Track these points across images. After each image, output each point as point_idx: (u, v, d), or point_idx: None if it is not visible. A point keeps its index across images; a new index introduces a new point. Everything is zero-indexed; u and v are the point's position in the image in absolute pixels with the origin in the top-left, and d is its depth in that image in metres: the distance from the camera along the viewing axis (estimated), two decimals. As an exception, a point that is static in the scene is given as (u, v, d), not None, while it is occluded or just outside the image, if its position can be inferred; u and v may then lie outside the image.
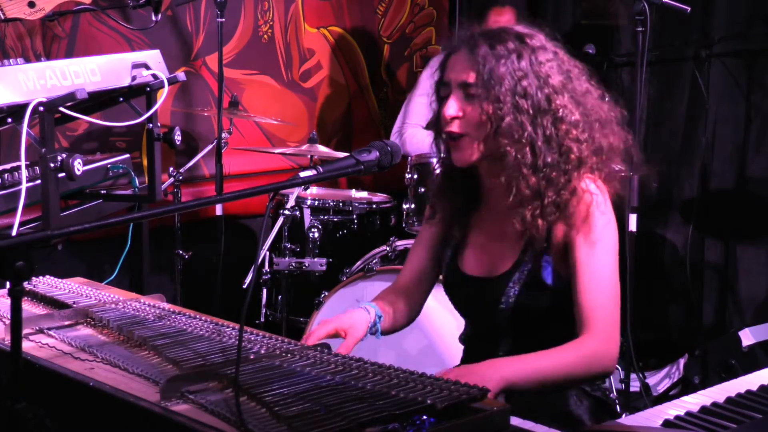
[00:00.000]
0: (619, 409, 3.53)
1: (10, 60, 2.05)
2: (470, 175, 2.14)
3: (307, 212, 3.90)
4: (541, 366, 1.90)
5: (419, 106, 4.21)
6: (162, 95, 2.23)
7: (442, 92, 2.08)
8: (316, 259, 3.74)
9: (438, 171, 2.26)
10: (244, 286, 3.68)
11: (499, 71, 1.98)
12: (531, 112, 1.98)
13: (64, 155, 2.03)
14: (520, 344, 2.02)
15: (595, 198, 1.98)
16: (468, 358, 2.19)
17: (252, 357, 1.67)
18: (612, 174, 2.06)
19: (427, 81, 4.22)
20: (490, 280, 2.09)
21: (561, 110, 2.00)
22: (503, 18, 4.12)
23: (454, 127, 2.02)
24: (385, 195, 4.15)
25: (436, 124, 2.12)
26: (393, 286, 2.30)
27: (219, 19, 3.74)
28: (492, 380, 1.79)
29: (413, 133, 4.24)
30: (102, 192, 2.39)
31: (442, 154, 2.18)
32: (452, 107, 2.02)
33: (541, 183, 1.98)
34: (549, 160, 1.98)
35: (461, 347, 2.26)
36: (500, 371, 1.84)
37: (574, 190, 1.99)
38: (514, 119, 1.97)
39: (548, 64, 2.02)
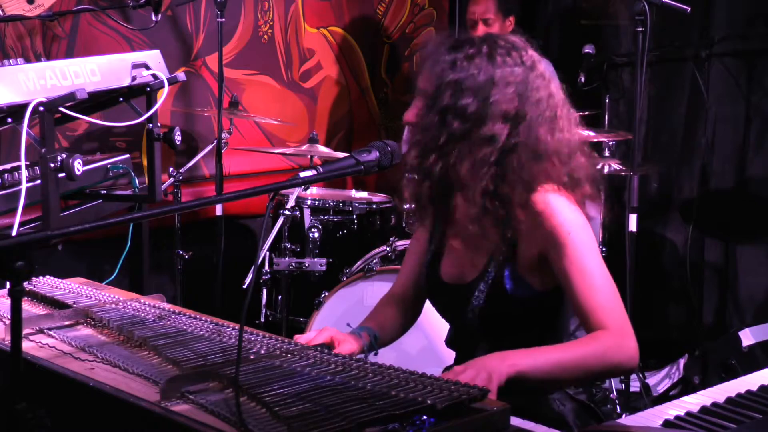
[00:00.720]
0: (617, 411, 3.53)
1: (11, 60, 2.05)
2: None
3: (307, 212, 3.90)
4: (553, 356, 1.85)
5: None
6: (162, 95, 2.23)
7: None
8: (316, 259, 3.73)
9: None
10: (244, 287, 3.68)
11: (445, 86, 1.96)
12: (458, 132, 1.94)
13: (64, 155, 2.02)
14: (496, 350, 1.93)
15: (552, 205, 1.94)
16: (459, 362, 2.18)
17: (252, 357, 1.67)
18: (577, 186, 2.02)
19: None
20: (461, 286, 2.09)
21: (500, 136, 1.93)
22: (479, 8, 4.10)
23: (409, 132, 2.04)
24: (384, 195, 4.15)
25: None
26: (389, 294, 2.30)
27: (219, 19, 3.74)
28: (500, 367, 1.76)
29: None
30: (102, 192, 2.39)
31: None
32: (409, 112, 2.04)
33: (487, 191, 1.95)
34: (479, 183, 1.94)
35: (460, 348, 2.26)
36: (509, 359, 1.80)
37: (527, 202, 1.95)
38: (435, 134, 1.96)
39: (507, 88, 1.96)
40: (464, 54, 1.98)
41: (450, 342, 2.24)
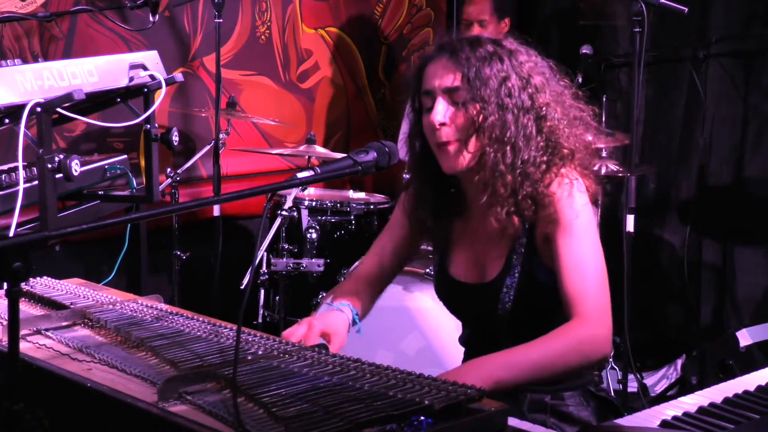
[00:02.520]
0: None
1: (8, 61, 2.04)
2: (451, 179, 2.12)
3: (304, 213, 3.90)
4: (529, 358, 1.86)
5: None
6: (159, 96, 2.22)
7: (424, 102, 2.06)
8: (313, 260, 3.74)
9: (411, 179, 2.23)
10: (242, 287, 3.68)
11: (484, 72, 1.98)
12: (515, 111, 1.98)
13: (61, 156, 2.02)
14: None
15: (568, 187, 1.97)
16: (469, 360, 2.17)
17: (250, 358, 1.66)
18: (590, 169, 2.07)
19: None
20: (482, 286, 2.08)
21: (544, 108, 2.00)
22: (475, 10, 4.10)
23: (443, 136, 2.00)
24: (382, 195, 4.14)
25: (419, 134, 2.11)
26: (354, 275, 2.28)
27: (216, 20, 3.74)
28: (477, 382, 1.76)
29: None
30: (99, 193, 2.38)
31: (422, 163, 2.14)
32: (439, 114, 2.00)
33: (516, 180, 1.97)
34: (526, 157, 1.97)
35: (459, 348, 2.25)
36: (486, 372, 1.81)
37: (549, 184, 1.98)
38: (498, 119, 1.97)
39: (527, 64, 2.03)
40: (480, 45, 2.02)
41: (466, 340, 2.22)
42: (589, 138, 2.09)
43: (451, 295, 2.19)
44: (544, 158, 1.99)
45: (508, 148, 1.97)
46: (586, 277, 1.93)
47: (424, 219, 2.17)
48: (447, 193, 2.14)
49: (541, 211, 1.98)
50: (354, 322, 2.12)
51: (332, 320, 2.07)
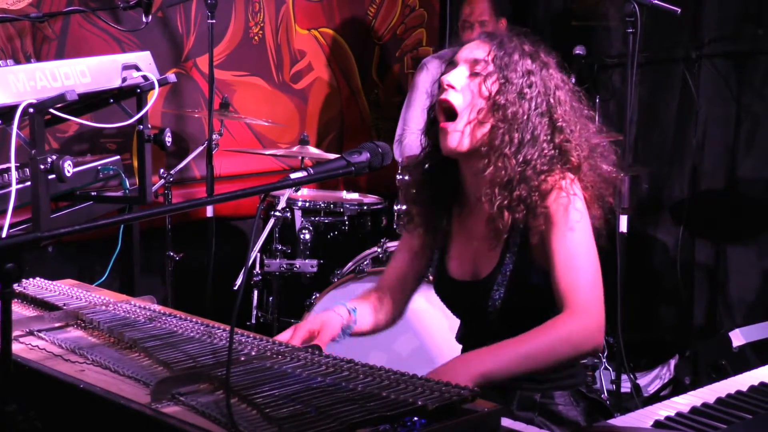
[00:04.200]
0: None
1: (0, 61, 2.04)
2: (451, 174, 2.13)
3: (298, 214, 3.90)
4: (517, 350, 1.85)
5: (418, 110, 4.19)
6: (152, 97, 2.21)
7: (447, 70, 2.07)
8: (307, 261, 3.73)
9: (412, 175, 2.24)
10: (235, 288, 3.68)
11: (514, 57, 2.01)
12: (532, 105, 1.99)
13: (54, 157, 2.01)
14: None
15: (564, 201, 1.96)
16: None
17: (243, 359, 1.66)
18: (604, 200, 2.07)
19: (423, 83, 4.21)
20: (476, 283, 2.08)
21: (560, 121, 2.00)
22: (476, 10, 4.11)
23: (450, 96, 2.00)
24: (376, 196, 4.14)
25: (429, 111, 2.13)
26: (376, 288, 2.29)
27: (209, 21, 3.73)
28: (464, 377, 1.75)
29: (415, 139, 4.22)
30: (92, 194, 2.37)
31: (427, 149, 2.16)
32: (453, 77, 2.02)
33: (516, 173, 1.97)
34: (529, 156, 1.97)
35: (452, 348, 2.26)
36: (472, 367, 1.80)
37: (547, 192, 1.97)
38: (514, 101, 1.98)
39: (555, 80, 2.04)
40: (515, 43, 2.04)
41: (462, 337, 2.23)
42: (606, 167, 2.08)
43: (448, 292, 2.20)
44: (545, 167, 1.98)
45: (516, 135, 1.98)
46: (578, 270, 1.93)
47: (425, 209, 2.17)
48: (445, 187, 2.14)
49: (533, 220, 1.98)
50: (349, 326, 2.13)
51: (324, 318, 2.08)
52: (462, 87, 2.02)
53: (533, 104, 1.99)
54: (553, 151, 1.99)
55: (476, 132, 2.01)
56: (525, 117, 1.98)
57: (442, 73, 2.08)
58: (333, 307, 2.15)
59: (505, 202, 1.97)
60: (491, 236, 2.04)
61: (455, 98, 2.01)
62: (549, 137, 2.00)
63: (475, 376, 1.78)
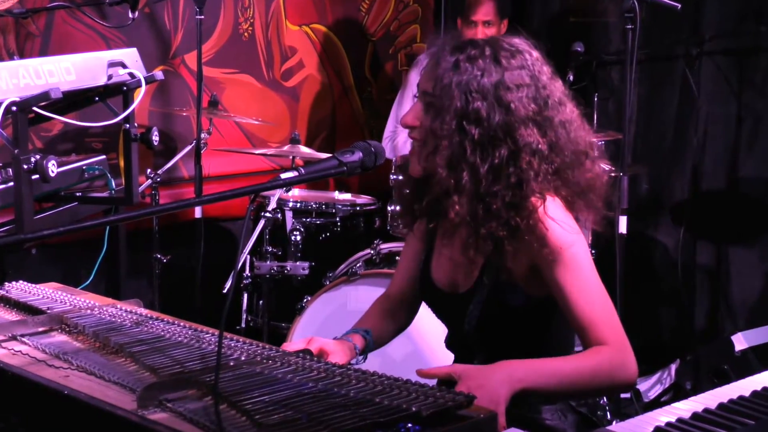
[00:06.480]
0: (609, 422, 3.51)
1: (-18, 58, 2.01)
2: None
3: (288, 214, 3.89)
4: (562, 371, 1.83)
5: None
6: (139, 95, 2.19)
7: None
8: (298, 263, 3.72)
9: (405, 175, 2.24)
10: (224, 291, 3.66)
11: (452, 89, 1.90)
12: (477, 138, 1.88)
13: (37, 156, 1.99)
14: (495, 358, 1.89)
15: (551, 217, 1.89)
16: (459, 363, 2.15)
17: (232, 364, 1.64)
18: (588, 206, 1.99)
19: (416, 80, 4.19)
20: (454, 296, 2.07)
21: (521, 140, 1.89)
22: (482, 11, 4.09)
23: (411, 136, 2.01)
24: (369, 197, 4.12)
25: None
26: (385, 295, 2.30)
27: (198, 17, 3.71)
28: (505, 383, 1.74)
29: (406, 138, 4.21)
30: (77, 194, 2.35)
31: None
32: (409, 114, 1.99)
33: (478, 211, 1.89)
34: (494, 189, 1.89)
35: (446, 353, 2.24)
36: (516, 374, 1.78)
37: (529, 220, 1.89)
38: (453, 141, 1.89)
39: (519, 91, 1.91)
40: (470, 59, 1.92)
41: (449, 345, 2.22)
42: (596, 169, 1.99)
43: (430, 298, 2.19)
44: (518, 196, 1.89)
45: (465, 174, 1.88)
46: (598, 305, 1.89)
47: (414, 213, 2.14)
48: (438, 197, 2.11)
49: (521, 237, 1.90)
50: (365, 350, 2.14)
51: (339, 345, 2.07)
52: (416, 121, 1.98)
53: (479, 137, 1.88)
54: (515, 179, 1.89)
55: (425, 161, 1.96)
56: (470, 155, 1.88)
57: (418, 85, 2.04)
58: (348, 336, 2.13)
59: (471, 239, 1.93)
60: (471, 251, 2.00)
61: (413, 135, 2.00)
62: (513, 162, 1.89)
63: (515, 384, 1.76)
